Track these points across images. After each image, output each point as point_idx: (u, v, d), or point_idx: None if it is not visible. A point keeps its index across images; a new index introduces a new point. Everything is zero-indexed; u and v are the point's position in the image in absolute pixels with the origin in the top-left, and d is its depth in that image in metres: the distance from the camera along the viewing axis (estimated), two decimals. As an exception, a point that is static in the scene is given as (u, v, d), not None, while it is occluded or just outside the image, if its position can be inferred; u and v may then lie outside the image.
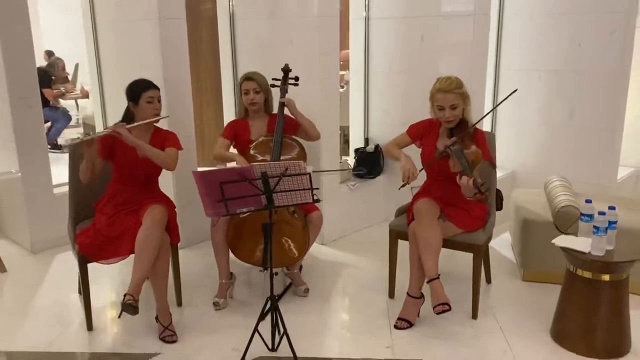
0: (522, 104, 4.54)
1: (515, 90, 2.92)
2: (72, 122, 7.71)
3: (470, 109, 2.94)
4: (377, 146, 4.38)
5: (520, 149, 4.62)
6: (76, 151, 2.96)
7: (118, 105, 4.15)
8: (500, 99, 4.67)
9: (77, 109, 9.02)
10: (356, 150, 4.43)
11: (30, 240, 3.89)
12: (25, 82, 3.68)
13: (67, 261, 3.78)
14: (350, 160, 4.52)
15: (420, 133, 3.07)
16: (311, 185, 2.51)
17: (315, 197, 2.55)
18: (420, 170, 2.88)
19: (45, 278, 3.58)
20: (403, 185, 2.85)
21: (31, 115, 3.74)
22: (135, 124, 2.88)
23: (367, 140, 4.51)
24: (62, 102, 8.00)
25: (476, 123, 2.91)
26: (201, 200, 2.51)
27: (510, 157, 4.59)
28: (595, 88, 4.20)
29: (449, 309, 2.73)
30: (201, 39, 4.69)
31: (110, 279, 3.52)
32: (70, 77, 9.15)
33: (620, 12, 4.01)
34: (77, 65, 9.45)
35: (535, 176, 4.49)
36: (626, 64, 4.10)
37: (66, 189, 3.99)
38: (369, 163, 4.37)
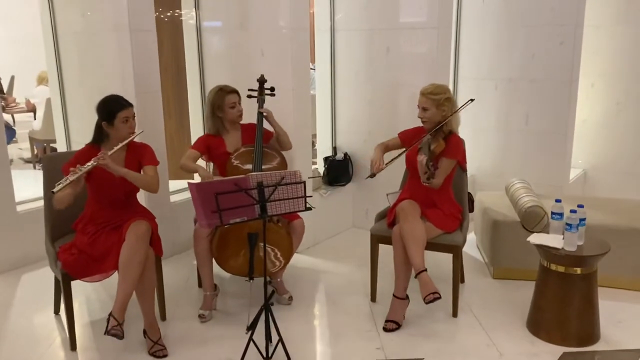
0: (480, 111, 4.77)
1: (472, 100, 3.21)
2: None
3: (448, 115, 3.09)
4: (345, 154, 4.48)
5: (479, 154, 4.84)
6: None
7: (82, 119, 4.06)
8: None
9: (14, 123, 8.62)
10: (325, 159, 4.51)
11: (-8, 261, 3.72)
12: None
13: (34, 281, 3.65)
14: (320, 168, 4.59)
15: (409, 137, 3.23)
16: (305, 193, 2.57)
17: (308, 205, 2.61)
18: (387, 164, 3.11)
19: (14, 299, 3.43)
20: (370, 176, 3.12)
21: (-9, 130, 3.60)
22: (115, 149, 2.79)
23: (334, 149, 4.60)
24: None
25: (432, 130, 3.10)
26: (195, 211, 2.52)
27: (468, 162, 4.78)
28: (547, 95, 4.48)
29: (439, 297, 2.83)
30: (163, 50, 4.63)
31: (87, 296, 3.42)
32: (5, 90, 8.75)
33: (569, 24, 4.32)
34: (12, 78, 9.05)
35: (493, 179, 4.74)
36: (575, 71, 4.41)
37: (30, 206, 3.92)
38: (339, 171, 4.46)
